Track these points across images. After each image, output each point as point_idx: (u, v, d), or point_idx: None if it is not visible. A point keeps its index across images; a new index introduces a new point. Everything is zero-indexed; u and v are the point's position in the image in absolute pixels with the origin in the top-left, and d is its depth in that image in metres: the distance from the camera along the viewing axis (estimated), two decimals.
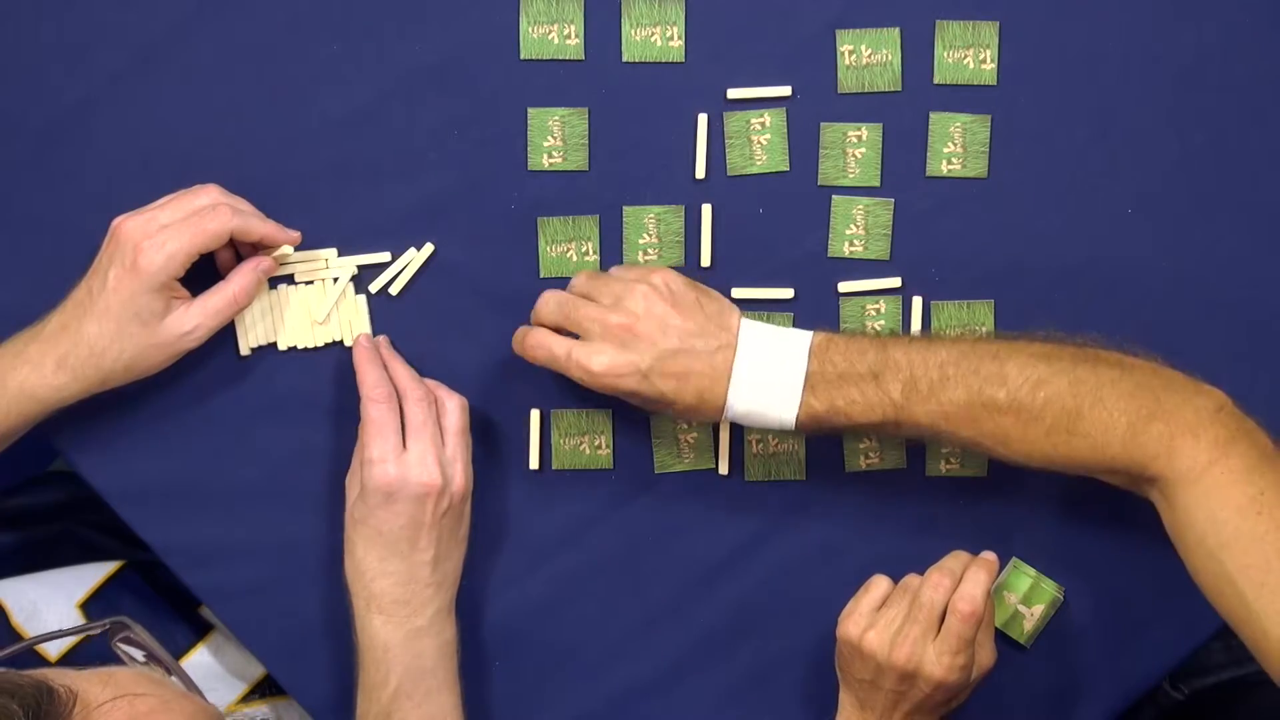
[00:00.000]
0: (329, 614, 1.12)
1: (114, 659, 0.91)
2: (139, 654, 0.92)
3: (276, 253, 1.09)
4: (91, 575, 1.16)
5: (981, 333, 1.12)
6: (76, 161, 1.10)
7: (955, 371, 0.98)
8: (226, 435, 1.12)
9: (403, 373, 1.07)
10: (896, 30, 1.10)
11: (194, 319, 1.04)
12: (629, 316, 1.01)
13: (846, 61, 1.10)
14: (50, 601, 1.12)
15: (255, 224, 1.06)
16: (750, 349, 1.01)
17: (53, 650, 1.10)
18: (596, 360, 1.00)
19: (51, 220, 1.10)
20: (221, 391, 1.11)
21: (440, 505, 1.04)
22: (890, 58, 1.10)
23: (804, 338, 1.01)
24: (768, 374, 1.00)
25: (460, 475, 1.06)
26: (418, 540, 1.04)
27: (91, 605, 1.14)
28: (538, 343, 1.03)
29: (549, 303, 1.04)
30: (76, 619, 1.13)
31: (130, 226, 1.02)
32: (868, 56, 1.10)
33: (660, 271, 1.04)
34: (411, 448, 1.04)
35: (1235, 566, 0.91)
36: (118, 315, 1.01)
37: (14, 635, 1.10)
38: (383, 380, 1.06)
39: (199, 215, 1.03)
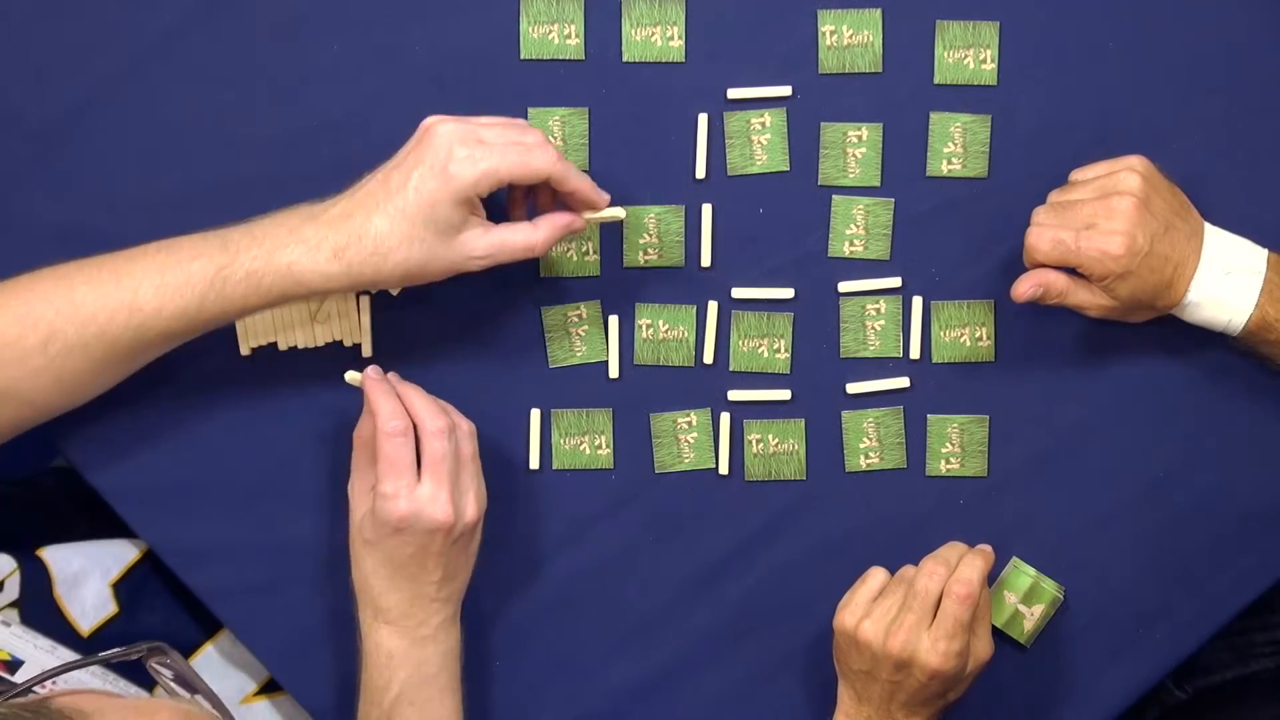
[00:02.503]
0: (329, 614, 1.12)
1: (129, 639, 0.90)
2: (169, 674, 0.92)
3: (589, 216, 1.04)
4: (127, 553, 1.16)
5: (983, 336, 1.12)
6: (76, 161, 1.10)
7: None
8: (226, 435, 1.12)
9: (420, 403, 1.04)
10: (878, 11, 1.10)
11: (487, 247, 0.99)
12: (1129, 195, 1.02)
13: (828, 42, 1.10)
14: (89, 575, 1.12)
15: (574, 175, 1.01)
16: (1213, 240, 1.04)
17: (86, 625, 1.11)
18: (1114, 239, 1.01)
19: (51, 220, 1.10)
20: (221, 391, 1.11)
21: (450, 537, 1.03)
22: (871, 39, 1.10)
23: (1260, 249, 1.05)
24: (1228, 270, 1.03)
25: (472, 506, 1.04)
26: (426, 565, 1.03)
27: (122, 585, 1.14)
28: (1042, 234, 1.03)
29: (1044, 232, 1.03)
30: (108, 599, 1.12)
31: (448, 130, 0.98)
32: (849, 37, 1.10)
33: (1131, 157, 1.05)
34: (425, 483, 1.01)
35: None
36: (413, 217, 0.96)
37: (54, 604, 1.10)
38: (398, 412, 1.02)
39: (524, 145, 0.99)
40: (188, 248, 0.99)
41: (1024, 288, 1.04)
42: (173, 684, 0.92)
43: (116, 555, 1.16)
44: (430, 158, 0.97)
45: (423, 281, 1.01)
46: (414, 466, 1.02)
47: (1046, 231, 1.03)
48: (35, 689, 0.87)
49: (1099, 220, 1.02)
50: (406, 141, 1.00)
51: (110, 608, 1.13)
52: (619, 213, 1.05)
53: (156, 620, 1.15)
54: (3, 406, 1.00)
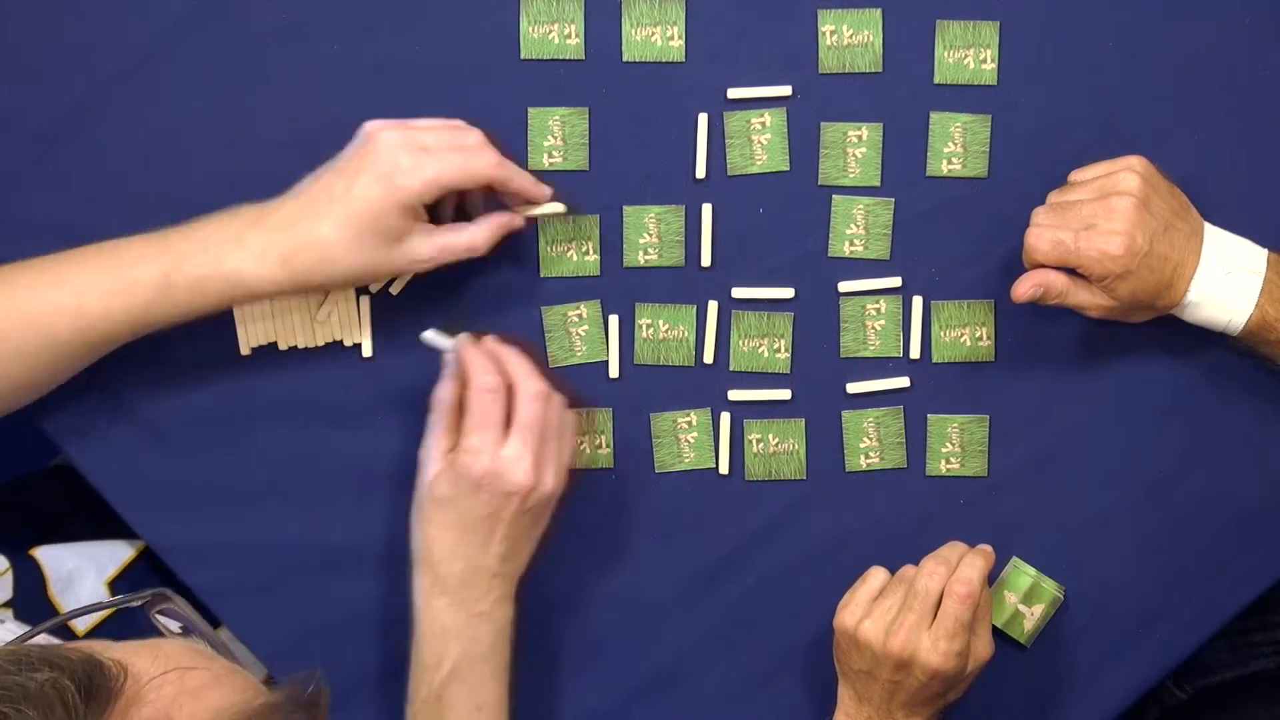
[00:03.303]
0: (329, 614, 1.12)
1: (143, 633, 0.90)
2: (175, 625, 0.91)
3: (528, 212, 1.07)
4: (123, 552, 1.16)
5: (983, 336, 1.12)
6: (76, 161, 1.10)
7: None
8: (226, 435, 1.12)
9: (518, 365, 1.05)
10: (878, 11, 1.10)
11: (431, 250, 1.02)
12: (1128, 195, 1.02)
13: (828, 42, 1.10)
14: (84, 575, 1.12)
15: (516, 175, 1.04)
16: (1213, 240, 1.04)
17: (81, 624, 1.10)
18: (1113, 238, 1.01)
19: (51, 220, 1.10)
20: (221, 391, 1.11)
21: (525, 505, 1.03)
22: (871, 39, 1.10)
23: (1259, 249, 1.05)
24: (1228, 270, 1.03)
25: (553, 477, 1.04)
26: (494, 533, 1.03)
27: (119, 585, 1.14)
28: (1040, 235, 1.03)
29: (1044, 233, 1.03)
30: (103, 596, 1.12)
31: (390, 139, 0.99)
32: (849, 37, 1.10)
33: (1129, 157, 1.05)
34: (511, 444, 1.02)
35: None
36: (359, 227, 0.98)
37: (48, 604, 1.09)
38: (492, 370, 1.04)
39: (464, 150, 1.01)
40: (131, 251, 1.00)
41: (1024, 288, 1.04)
42: (179, 635, 0.92)
43: (112, 554, 1.16)
44: (374, 166, 0.99)
45: (368, 283, 1.04)
46: (502, 426, 1.02)
47: (1046, 232, 1.03)
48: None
49: (1098, 220, 1.02)
50: (357, 149, 1.01)
51: (120, 606, 1.13)
52: (558, 207, 1.07)
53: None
54: None
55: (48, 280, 1.00)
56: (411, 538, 1.06)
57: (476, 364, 1.04)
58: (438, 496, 1.03)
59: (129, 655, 0.73)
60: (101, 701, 0.69)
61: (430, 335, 1.06)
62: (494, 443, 1.02)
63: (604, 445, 1.13)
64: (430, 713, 1.05)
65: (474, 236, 1.04)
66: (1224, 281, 1.03)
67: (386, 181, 0.98)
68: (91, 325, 0.99)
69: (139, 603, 0.91)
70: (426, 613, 1.05)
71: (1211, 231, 1.05)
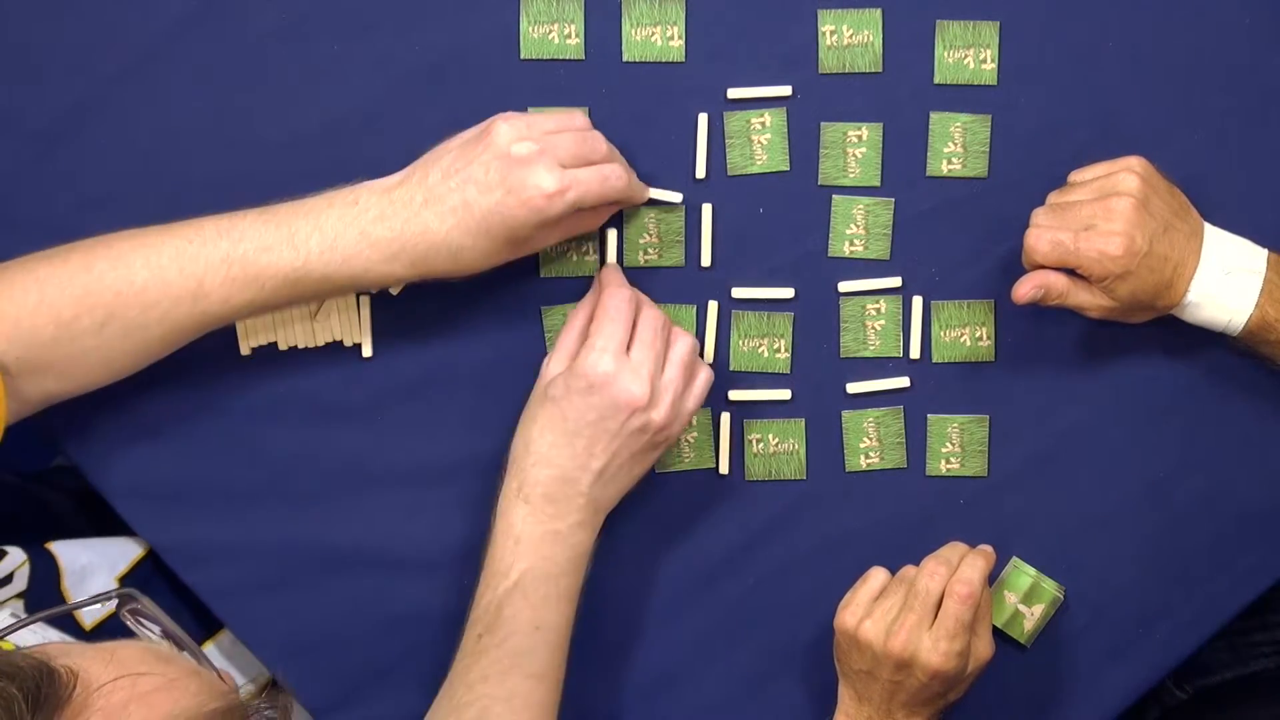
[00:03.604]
0: (329, 614, 1.12)
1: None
2: (155, 628, 0.91)
3: (651, 194, 1.09)
4: (134, 549, 1.16)
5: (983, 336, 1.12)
6: (76, 161, 1.10)
7: None
8: (226, 435, 1.12)
9: (644, 297, 1.06)
10: (878, 11, 1.10)
11: (554, 238, 1.04)
12: (1128, 196, 1.02)
13: (828, 42, 1.10)
14: (97, 570, 1.12)
15: (638, 192, 1.06)
16: (1213, 240, 1.04)
17: (88, 618, 1.10)
18: (1113, 241, 1.01)
19: (51, 220, 1.10)
20: (221, 391, 1.11)
21: (633, 422, 1.02)
22: (871, 39, 1.10)
23: (1259, 249, 1.05)
24: (1227, 270, 1.03)
25: (668, 408, 1.03)
26: (595, 445, 1.02)
27: (128, 580, 1.14)
28: (1040, 236, 1.03)
29: (1043, 235, 1.03)
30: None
31: (530, 156, 0.98)
32: (849, 37, 1.10)
33: (1130, 158, 1.05)
34: (635, 353, 1.02)
35: None
36: (497, 236, 0.99)
37: (59, 597, 1.09)
38: (626, 283, 1.06)
39: (603, 173, 1.01)
40: (252, 236, 0.99)
41: (1025, 289, 1.04)
42: (150, 634, 0.92)
43: (123, 551, 1.16)
44: (515, 183, 0.98)
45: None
46: (629, 333, 1.03)
47: (1045, 233, 1.03)
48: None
49: (1098, 221, 1.02)
50: (476, 141, 1.00)
51: (113, 603, 1.12)
52: (676, 196, 1.10)
53: None
54: (44, 380, 0.99)
55: (164, 264, 0.98)
56: (513, 440, 1.05)
57: (617, 276, 1.06)
58: (551, 395, 1.03)
59: (83, 660, 0.73)
60: (49, 710, 0.69)
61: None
62: (619, 345, 1.02)
63: None
64: (490, 619, 1.03)
65: (591, 224, 1.06)
66: (1224, 282, 1.03)
67: (530, 204, 0.98)
68: (210, 310, 0.99)
69: (100, 603, 0.91)
70: (504, 519, 1.04)
71: (1211, 232, 1.05)
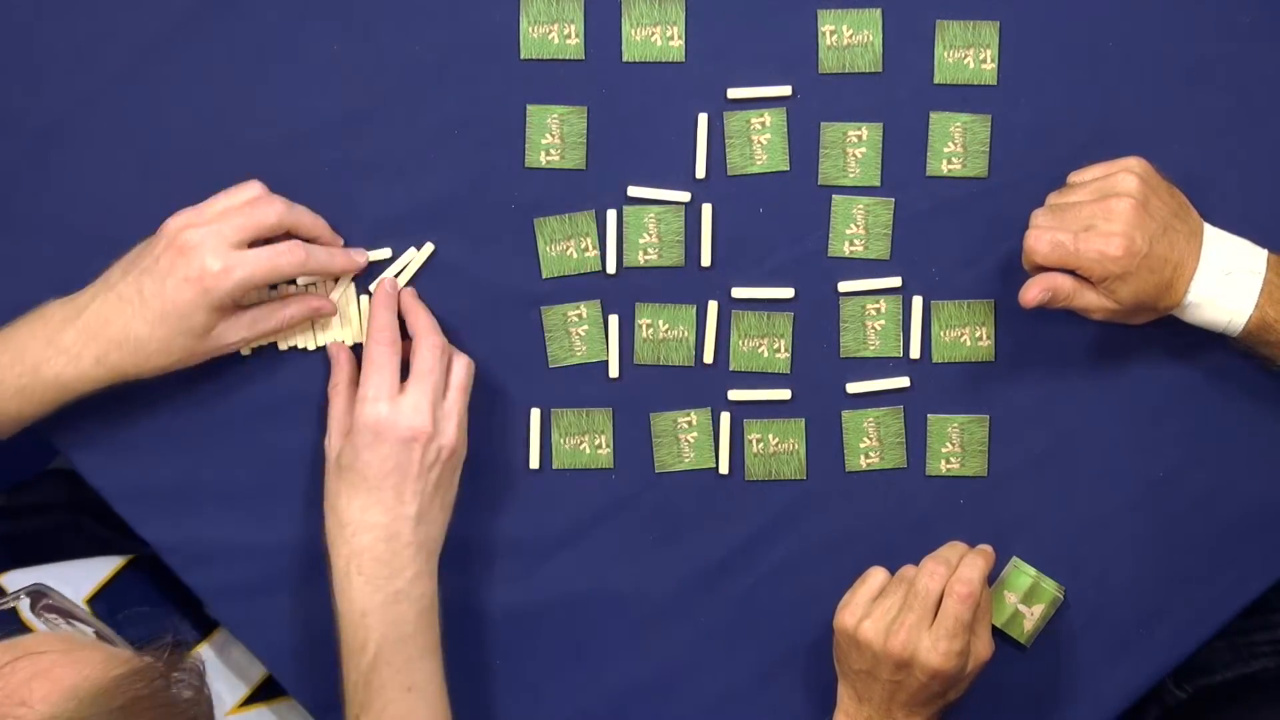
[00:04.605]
0: (329, 614, 1.12)
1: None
2: (63, 621, 0.93)
3: (336, 296, 1.10)
4: (100, 570, 1.16)
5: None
6: (76, 161, 1.10)
7: None
8: (226, 435, 1.12)
9: (423, 320, 1.07)
10: (878, 11, 1.10)
11: (240, 333, 1.06)
12: (1127, 196, 1.02)
13: (828, 42, 1.10)
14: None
15: (324, 259, 1.07)
16: (1213, 241, 1.04)
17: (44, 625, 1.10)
18: (1113, 240, 1.01)
19: (51, 220, 1.10)
20: (221, 391, 1.11)
21: (428, 455, 1.03)
22: (871, 39, 1.10)
23: (1259, 249, 1.04)
24: (1228, 270, 1.03)
25: (453, 431, 1.05)
26: (403, 490, 1.03)
27: (98, 602, 1.14)
28: (1040, 236, 1.03)
29: (1043, 236, 1.03)
30: (85, 615, 1.12)
31: (197, 239, 1.01)
32: (849, 37, 1.10)
33: (1129, 158, 1.05)
34: (409, 391, 1.04)
35: None
36: (173, 325, 1.02)
37: (22, 627, 1.09)
38: (391, 325, 1.06)
39: (274, 250, 1.03)
40: None
41: (1033, 293, 1.04)
42: (61, 624, 0.94)
43: (87, 573, 1.15)
44: (184, 268, 1.01)
45: (179, 368, 1.05)
46: (397, 375, 1.05)
47: (1045, 234, 1.03)
48: None
49: (1097, 222, 1.02)
50: (154, 238, 1.03)
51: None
52: (361, 263, 1.10)
53: (140, 633, 1.14)
54: None
55: None
56: (325, 526, 1.06)
57: (378, 319, 1.07)
58: (344, 464, 1.04)
59: None
60: None
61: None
62: (389, 390, 1.03)
63: (604, 445, 1.13)
64: (362, 698, 1.04)
65: (283, 316, 1.07)
66: (1224, 282, 1.03)
67: (197, 285, 1.01)
68: None
69: (9, 606, 0.93)
70: (345, 597, 1.04)
71: (1211, 232, 1.05)
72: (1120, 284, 1.02)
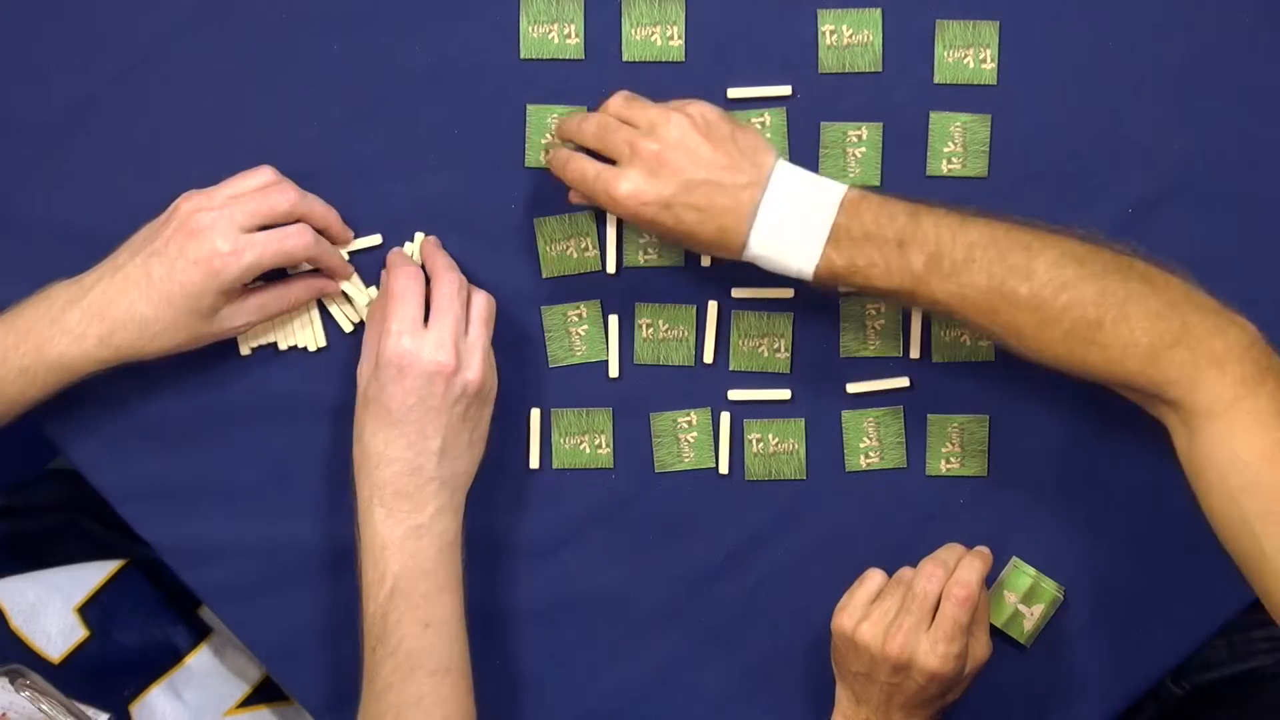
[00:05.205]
0: (329, 614, 1.12)
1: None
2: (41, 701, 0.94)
3: (344, 283, 1.10)
4: (91, 577, 1.16)
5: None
6: (76, 161, 1.10)
7: (983, 255, 0.96)
8: (226, 435, 1.12)
9: (441, 259, 1.08)
10: (878, 11, 1.10)
11: (246, 316, 1.06)
12: (660, 143, 1.00)
13: (828, 42, 1.10)
14: (46, 604, 1.12)
15: (328, 253, 1.07)
16: (779, 190, 1.00)
17: (54, 652, 1.10)
18: (623, 185, 1.00)
19: (51, 220, 1.10)
20: (221, 391, 1.11)
21: (452, 390, 1.03)
22: (871, 38, 1.10)
23: (837, 190, 0.99)
24: (793, 219, 0.99)
25: (479, 364, 1.04)
26: (426, 425, 1.03)
27: (89, 609, 1.14)
28: (575, 165, 1.03)
29: (591, 123, 1.03)
30: (74, 623, 1.12)
31: (208, 223, 1.01)
32: (849, 37, 1.10)
33: (697, 103, 1.03)
34: (432, 325, 1.03)
35: (1255, 513, 0.90)
36: (180, 306, 1.01)
37: (12, 637, 1.09)
38: (410, 262, 1.07)
39: (282, 233, 1.03)
40: None
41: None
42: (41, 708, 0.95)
43: (77, 580, 1.15)
44: (193, 250, 1.01)
45: (186, 350, 1.05)
46: (421, 308, 1.04)
47: (580, 161, 1.03)
48: None
49: (625, 155, 1.01)
50: (163, 219, 1.03)
51: (80, 632, 1.12)
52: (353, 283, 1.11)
53: (133, 639, 1.15)
54: None
55: None
56: (352, 454, 1.05)
57: (397, 256, 1.07)
58: (370, 395, 1.04)
59: None
60: None
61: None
62: (413, 322, 1.03)
63: (604, 445, 1.13)
64: (379, 630, 1.04)
65: (289, 297, 1.08)
66: (782, 234, 0.99)
67: (205, 266, 1.01)
68: None
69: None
70: (367, 528, 1.04)
71: (781, 178, 1.00)
72: (656, 228, 1.01)
